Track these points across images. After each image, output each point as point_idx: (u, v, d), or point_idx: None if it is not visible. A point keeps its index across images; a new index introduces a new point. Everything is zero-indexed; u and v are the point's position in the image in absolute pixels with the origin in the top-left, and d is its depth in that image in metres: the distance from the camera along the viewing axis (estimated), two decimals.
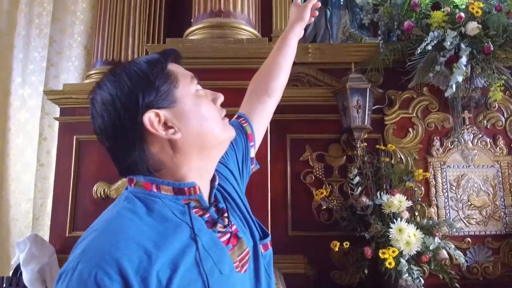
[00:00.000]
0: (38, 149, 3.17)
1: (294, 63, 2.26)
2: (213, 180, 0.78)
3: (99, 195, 2.16)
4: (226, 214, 0.76)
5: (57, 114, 2.42)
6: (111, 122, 0.68)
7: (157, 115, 0.68)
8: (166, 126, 0.69)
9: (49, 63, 3.26)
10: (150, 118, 0.67)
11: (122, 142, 0.68)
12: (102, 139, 0.71)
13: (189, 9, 2.23)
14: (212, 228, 0.72)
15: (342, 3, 3.06)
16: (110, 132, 0.69)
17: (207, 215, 0.73)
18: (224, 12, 2.00)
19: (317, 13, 1.30)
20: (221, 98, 0.78)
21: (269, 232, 0.85)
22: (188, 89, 0.72)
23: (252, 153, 1.01)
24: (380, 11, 2.41)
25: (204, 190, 0.74)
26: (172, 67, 0.73)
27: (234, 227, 0.76)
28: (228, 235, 0.73)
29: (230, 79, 1.80)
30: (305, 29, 2.80)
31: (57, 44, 3.30)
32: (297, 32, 1.18)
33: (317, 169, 2.16)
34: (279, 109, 2.19)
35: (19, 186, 3.23)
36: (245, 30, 1.99)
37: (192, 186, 0.70)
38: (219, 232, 0.72)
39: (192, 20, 2.08)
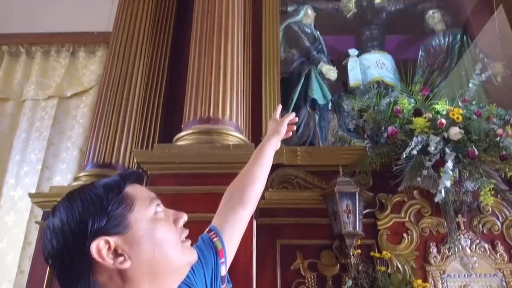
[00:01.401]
0: (21, 254, 3.03)
1: (284, 165, 2.33)
2: None
3: None
4: None
5: None
6: (59, 249, 0.65)
7: (107, 242, 0.65)
8: (116, 253, 0.65)
9: (44, 165, 3.29)
10: (98, 246, 0.64)
11: (69, 270, 0.65)
12: (51, 266, 0.68)
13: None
14: None
15: (330, 108, 3.23)
16: (57, 259, 0.66)
17: None
18: (213, 119, 2.07)
19: (294, 127, 1.39)
20: (183, 218, 0.75)
21: None
22: (144, 213, 0.70)
23: (223, 271, 0.95)
24: (365, 116, 2.50)
25: None
26: (131, 189, 0.72)
27: None
28: None
29: (216, 184, 1.78)
30: (296, 131, 2.93)
31: (55, 146, 3.38)
32: (273, 145, 1.23)
33: (310, 279, 2.01)
34: (269, 213, 2.18)
35: None
36: (232, 135, 2.04)
37: None
38: None
39: (182, 126, 2.15)
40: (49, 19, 3.54)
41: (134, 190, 0.72)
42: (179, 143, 2.02)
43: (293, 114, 1.37)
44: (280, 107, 1.44)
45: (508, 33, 3.12)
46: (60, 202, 0.70)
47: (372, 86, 3.17)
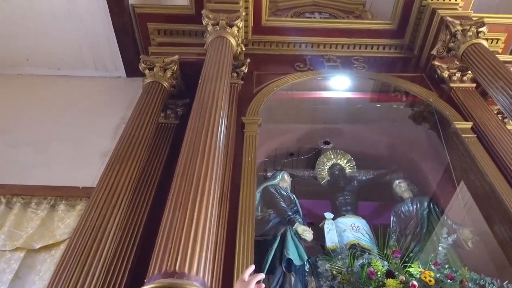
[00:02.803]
0: None
1: None
2: None
3: None
4: None
5: None
6: None
7: None
8: None
9: None
10: None
11: None
12: None
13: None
14: None
15: (307, 270, 3.13)
16: None
17: None
18: (178, 273, 1.97)
19: (263, 286, 1.32)
20: None
21: None
22: None
23: None
24: (339, 278, 2.42)
25: None
26: None
27: None
28: None
29: None
30: None
31: None
32: None
33: None
34: None
35: None
36: None
37: None
38: None
39: (145, 281, 2.03)
40: (36, 172, 3.73)
41: None
42: None
43: (262, 274, 1.33)
44: (252, 267, 1.39)
45: (472, 202, 3.31)
46: None
47: (347, 249, 3.16)
